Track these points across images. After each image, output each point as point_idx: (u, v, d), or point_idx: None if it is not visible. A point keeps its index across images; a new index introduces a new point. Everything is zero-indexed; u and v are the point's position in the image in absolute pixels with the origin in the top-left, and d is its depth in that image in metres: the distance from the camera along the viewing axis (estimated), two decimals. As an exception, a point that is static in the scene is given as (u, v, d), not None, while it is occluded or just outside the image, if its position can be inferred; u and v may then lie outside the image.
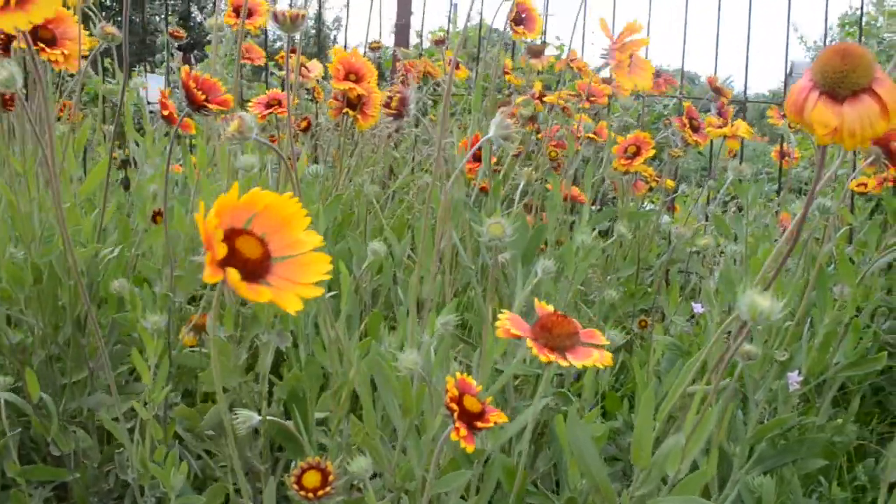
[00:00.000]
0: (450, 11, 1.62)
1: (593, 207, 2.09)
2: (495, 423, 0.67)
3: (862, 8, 1.68)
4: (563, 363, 0.65)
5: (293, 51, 1.69)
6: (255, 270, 0.54)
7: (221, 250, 0.52)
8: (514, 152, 1.46)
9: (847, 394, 1.60)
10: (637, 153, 1.41)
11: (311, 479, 0.67)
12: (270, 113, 1.32)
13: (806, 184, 2.16)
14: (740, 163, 1.40)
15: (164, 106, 1.10)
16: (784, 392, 1.11)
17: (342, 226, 1.50)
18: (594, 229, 1.39)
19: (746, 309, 0.63)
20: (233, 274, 0.51)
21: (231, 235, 0.54)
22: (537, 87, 1.57)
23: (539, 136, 1.52)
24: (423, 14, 2.16)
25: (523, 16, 1.40)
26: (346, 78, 1.37)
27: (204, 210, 0.53)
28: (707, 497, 1.15)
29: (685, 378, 0.82)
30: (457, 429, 0.64)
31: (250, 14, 1.39)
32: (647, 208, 2.16)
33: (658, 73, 1.53)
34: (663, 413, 0.81)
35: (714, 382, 0.73)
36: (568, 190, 1.41)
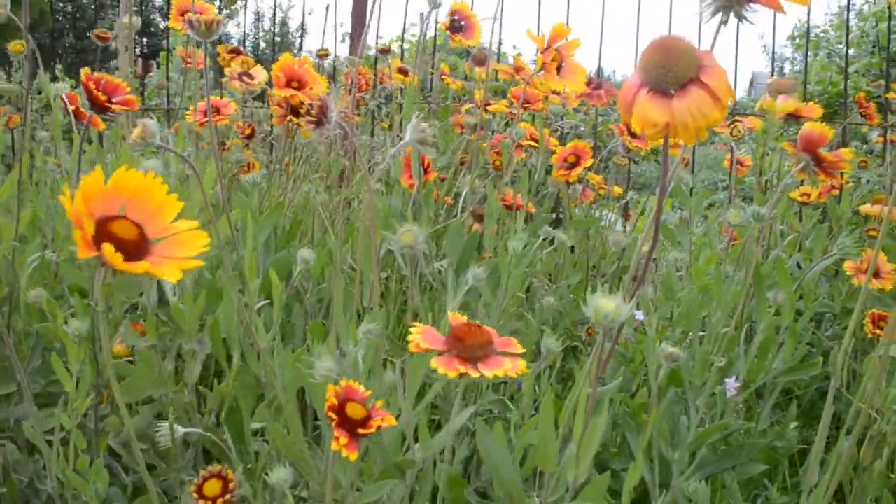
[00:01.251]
0: (404, 21, 1.62)
1: (553, 215, 2.10)
2: (379, 427, 0.66)
3: (809, 21, 1.70)
4: (475, 374, 0.64)
5: (239, 52, 1.67)
6: (133, 250, 0.54)
7: (89, 226, 0.51)
8: (459, 160, 1.45)
9: (798, 398, 1.61)
10: (576, 163, 1.41)
11: (212, 487, 0.65)
12: (208, 121, 1.30)
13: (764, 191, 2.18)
14: (692, 171, 1.41)
15: (71, 100, 1.08)
16: (722, 398, 1.11)
17: (290, 234, 1.48)
18: (548, 238, 1.39)
19: (592, 312, 0.62)
20: (108, 247, 0.51)
21: (105, 221, 0.54)
22: (479, 95, 1.57)
23: (485, 144, 1.52)
24: (379, 23, 2.16)
25: (462, 23, 1.40)
26: (289, 85, 1.36)
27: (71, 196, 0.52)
28: (647, 503, 1.15)
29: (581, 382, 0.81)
30: (336, 438, 0.63)
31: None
32: (603, 216, 2.17)
33: (599, 85, 1.54)
34: (564, 416, 0.80)
35: (593, 383, 0.72)
36: (514, 198, 1.41)
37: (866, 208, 1.48)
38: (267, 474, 0.72)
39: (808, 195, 1.45)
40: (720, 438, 1.16)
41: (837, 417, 1.58)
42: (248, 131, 1.51)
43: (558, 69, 1.12)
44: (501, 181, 1.36)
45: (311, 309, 1.29)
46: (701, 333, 1.19)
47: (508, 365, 0.66)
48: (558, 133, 1.98)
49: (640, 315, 1.14)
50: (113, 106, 0.87)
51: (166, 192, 0.57)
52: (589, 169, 1.43)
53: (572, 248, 1.59)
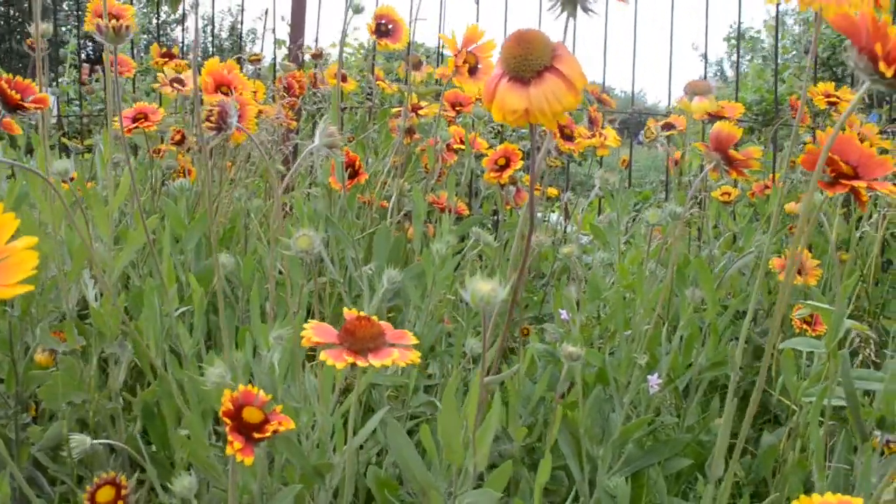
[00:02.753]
0: (344, 30, 1.62)
1: (494, 217, 2.12)
2: (276, 431, 0.66)
3: (739, 22, 1.73)
4: (363, 364, 0.65)
5: (172, 56, 1.66)
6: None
7: None
8: (392, 163, 1.46)
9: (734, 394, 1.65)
10: (507, 165, 1.43)
11: (105, 494, 0.65)
12: (136, 127, 1.29)
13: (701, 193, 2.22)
14: (614, 172, 1.43)
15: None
16: (645, 395, 1.13)
17: (223, 240, 1.48)
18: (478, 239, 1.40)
19: (470, 295, 0.64)
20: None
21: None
22: (414, 99, 1.57)
23: (419, 148, 1.53)
24: (318, 28, 2.16)
25: (389, 26, 1.41)
26: (217, 90, 1.35)
27: None
28: (576, 500, 1.16)
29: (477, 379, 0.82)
30: (231, 442, 0.63)
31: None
32: (548, 216, 2.19)
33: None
34: (469, 408, 0.81)
35: (481, 378, 0.74)
36: (450, 201, 1.42)
37: (790, 206, 1.51)
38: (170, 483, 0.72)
39: (729, 194, 1.48)
40: (646, 434, 1.18)
41: (772, 413, 1.62)
42: (177, 137, 1.50)
43: (473, 70, 1.13)
44: (432, 183, 1.37)
45: (243, 315, 1.29)
46: (629, 332, 1.21)
47: (396, 354, 0.67)
48: (498, 136, 2.00)
49: (564, 314, 1.16)
50: (27, 105, 0.86)
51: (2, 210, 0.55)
52: (521, 170, 1.45)
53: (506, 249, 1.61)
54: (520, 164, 1.41)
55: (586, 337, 1.22)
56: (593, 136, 1.35)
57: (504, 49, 0.59)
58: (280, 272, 1.34)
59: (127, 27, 0.78)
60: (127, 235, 1.03)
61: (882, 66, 0.61)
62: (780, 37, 2.79)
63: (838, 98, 1.44)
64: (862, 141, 0.85)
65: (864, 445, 0.87)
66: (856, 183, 0.75)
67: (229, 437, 0.64)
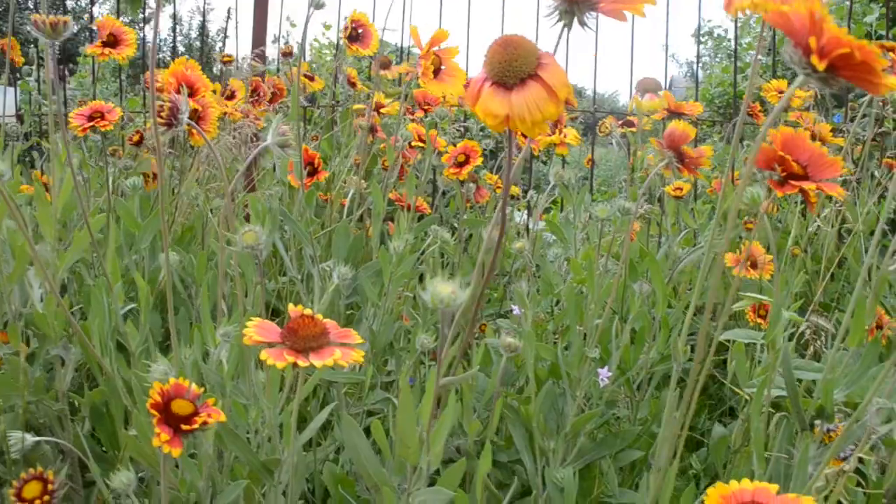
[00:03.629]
0: (305, 28, 1.62)
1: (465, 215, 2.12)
2: (204, 423, 0.66)
3: (700, 20, 1.76)
4: (304, 364, 0.65)
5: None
6: None
7: None
8: (354, 161, 1.46)
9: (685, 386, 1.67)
10: (466, 162, 1.44)
11: (32, 489, 0.65)
12: (92, 126, 1.29)
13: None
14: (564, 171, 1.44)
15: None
16: (597, 388, 1.14)
17: (181, 240, 1.47)
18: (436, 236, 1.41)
19: (430, 297, 0.64)
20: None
21: None
22: (379, 98, 1.58)
23: (382, 147, 1.54)
24: (280, 24, 2.15)
25: (360, 31, 1.42)
26: (179, 91, 1.35)
27: None
28: (528, 493, 1.17)
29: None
30: (157, 434, 0.64)
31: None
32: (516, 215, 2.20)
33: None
34: (424, 408, 0.81)
35: (437, 377, 0.74)
36: (410, 198, 1.42)
37: (746, 202, 1.54)
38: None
39: (681, 189, 1.50)
40: (599, 427, 1.20)
41: (727, 405, 1.64)
42: (136, 138, 1.49)
43: (437, 72, 1.13)
44: (393, 181, 1.37)
45: (197, 314, 1.29)
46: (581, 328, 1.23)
47: (339, 354, 0.67)
48: (464, 136, 2.01)
49: (516, 310, 1.17)
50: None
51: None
52: (483, 168, 1.46)
53: (466, 246, 1.62)
54: (479, 160, 1.42)
55: (540, 332, 1.23)
56: (553, 133, 1.36)
57: (490, 53, 0.59)
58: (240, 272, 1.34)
59: (65, 23, 0.77)
60: (75, 236, 1.02)
61: (814, 59, 0.62)
62: (739, 35, 2.82)
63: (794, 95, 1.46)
64: (814, 139, 0.87)
65: (803, 434, 0.89)
66: (805, 184, 0.75)
67: (156, 430, 0.64)
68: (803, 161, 0.74)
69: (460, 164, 1.42)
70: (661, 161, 1.11)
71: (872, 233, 1.91)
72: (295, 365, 0.65)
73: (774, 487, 0.62)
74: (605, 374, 1.12)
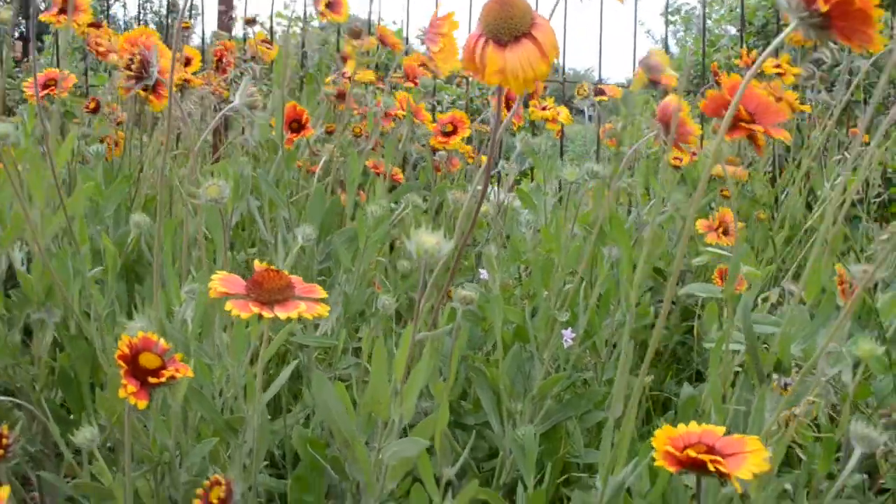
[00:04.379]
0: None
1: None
2: (172, 377, 0.67)
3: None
4: (268, 315, 0.66)
5: (99, 25, 1.63)
6: None
7: None
8: (326, 129, 1.46)
9: (659, 353, 1.69)
10: (454, 132, 1.44)
11: None
12: (47, 94, 1.28)
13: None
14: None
15: None
16: (564, 351, 1.16)
17: (146, 207, 1.46)
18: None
19: (414, 248, 0.65)
20: None
21: None
22: (350, 67, 1.57)
23: (357, 112, 1.53)
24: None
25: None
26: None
27: None
28: (496, 455, 1.19)
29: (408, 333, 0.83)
30: (124, 385, 0.64)
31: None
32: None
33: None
34: (398, 361, 0.82)
35: (413, 330, 0.75)
36: (387, 166, 1.42)
37: (716, 170, 1.55)
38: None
39: (680, 160, 1.52)
40: (565, 389, 1.21)
41: (694, 370, 1.67)
42: (91, 105, 1.48)
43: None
44: (367, 150, 1.37)
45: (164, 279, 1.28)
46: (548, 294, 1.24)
47: (303, 307, 0.67)
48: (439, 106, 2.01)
49: (484, 274, 1.18)
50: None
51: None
52: (466, 138, 1.47)
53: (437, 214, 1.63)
54: (467, 131, 1.43)
55: (507, 297, 1.24)
56: (545, 108, 1.37)
57: (485, 11, 0.61)
58: (207, 238, 1.34)
59: None
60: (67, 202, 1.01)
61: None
62: (707, 10, 2.83)
63: (785, 71, 1.48)
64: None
65: (761, 387, 0.90)
66: (753, 127, 0.77)
67: (123, 381, 0.64)
68: (751, 109, 0.76)
69: (447, 134, 1.43)
70: (651, 131, 1.12)
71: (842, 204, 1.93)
72: (260, 316, 0.66)
73: (721, 430, 0.64)
74: (568, 335, 1.13)
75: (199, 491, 0.66)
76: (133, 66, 0.83)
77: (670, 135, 1.16)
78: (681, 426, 0.64)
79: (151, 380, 0.65)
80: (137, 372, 0.66)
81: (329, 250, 1.22)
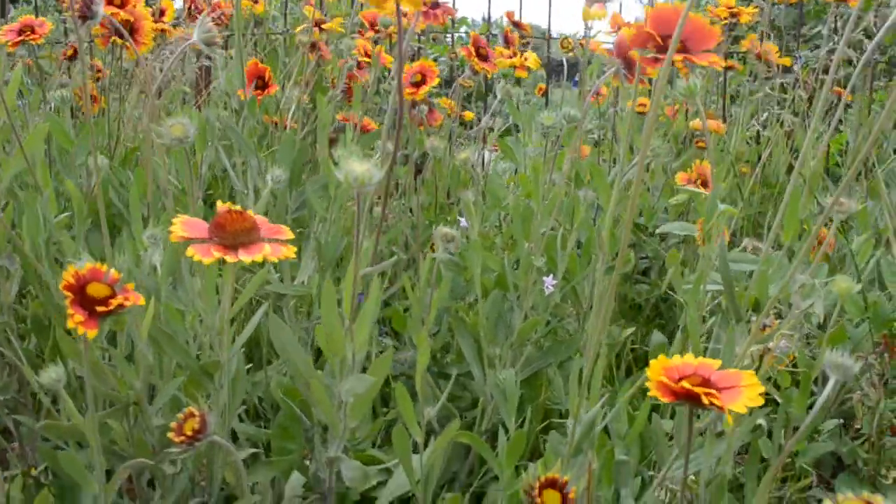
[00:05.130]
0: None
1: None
2: (121, 305, 0.65)
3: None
4: (232, 259, 0.64)
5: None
6: None
7: None
8: (299, 81, 1.43)
9: (640, 307, 1.69)
10: (423, 82, 1.41)
11: None
12: (22, 41, 1.24)
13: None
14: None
15: None
16: (542, 297, 1.15)
17: (124, 161, 1.44)
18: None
19: (343, 176, 0.63)
20: None
21: None
22: (317, 14, 1.54)
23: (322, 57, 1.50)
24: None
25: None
26: (111, 3, 1.31)
27: None
28: (477, 391, 1.19)
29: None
30: (71, 315, 0.63)
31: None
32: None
33: (436, 4, 1.53)
34: (346, 305, 0.81)
35: (356, 266, 0.74)
36: (358, 116, 1.40)
37: (695, 123, 1.55)
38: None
39: (644, 105, 1.50)
40: (545, 335, 1.21)
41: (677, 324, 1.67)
42: (69, 52, 1.45)
43: None
44: (338, 99, 1.35)
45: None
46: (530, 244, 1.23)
47: (268, 249, 0.66)
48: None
49: (463, 221, 1.17)
50: None
51: None
52: (438, 89, 1.44)
53: (419, 170, 1.61)
54: (436, 80, 1.40)
55: (487, 245, 1.23)
56: (513, 55, 1.35)
57: None
58: (183, 190, 1.31)
59: None
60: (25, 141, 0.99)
61: None
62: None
63: (739, 11, 1.46)
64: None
65: (738, 326, 0.90)
66: (676, 56, 0.72)
67: (69, 311, 0.63)
68: (684, 36, 0.72)
69: (416, 84, 1.40)
70: (610, 69, 1.11)
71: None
72: (223, 261, 0.64)
73: (717, 363, 0.64)
74: (549, 282, 1.13)
75: (174, 424, 0.65)
76: (76, 5, 0.81)
77: (632, 71, 1.15)
78: (676, 357, 0.64)
79: (100, 308, 0.64)
80: (86, 302, 0.64)
81: (302, 199, 1.20)
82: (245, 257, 0.64)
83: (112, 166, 1.26)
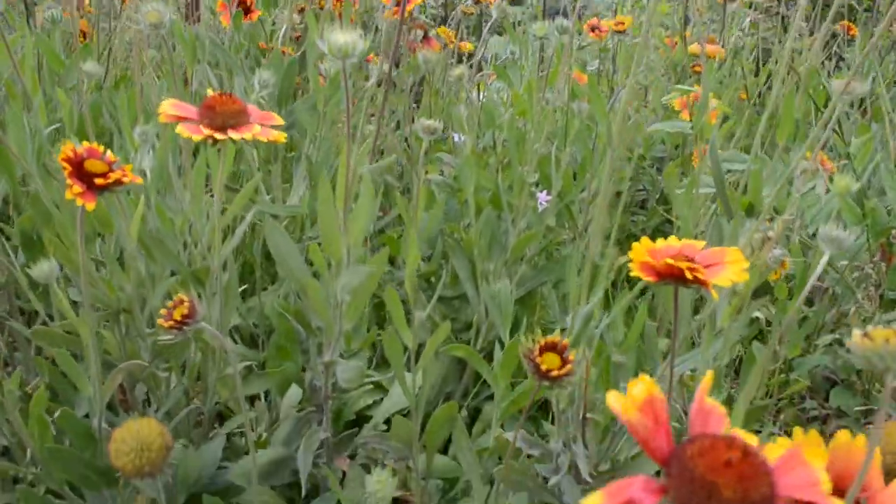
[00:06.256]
0: None
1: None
2: (119, 181, 0.64)
3: None
4: (221, 137, 0.64)
5: None
6: None
7: None
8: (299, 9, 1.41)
9: (637, 238, 1.68)
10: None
11: None
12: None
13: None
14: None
15: None
16: (536, 216, 1.14)
17: (117, 86, 1.42)
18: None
19: (327, 46, 0.62)
20: None
21: None
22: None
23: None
24: None
25: None
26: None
27: None
28: (472, 313, 1.18)
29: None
30: (69, 186, 0.62)
31: None
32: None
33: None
34: (339, 200, 0.80)
35: (348, 156, 0.73)
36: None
37: (693, 48, 1.52)
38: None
39: (623, 23, 1.48)
40: (539, 253, 1.20)
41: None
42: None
43: None
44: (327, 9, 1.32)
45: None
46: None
47: (258, 129, 0.65)
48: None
49: (457, 137, 1.15)
50: None
51: None
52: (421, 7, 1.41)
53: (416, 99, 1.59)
54: (419, 0, 1.37)
55: (482, 164, 1.22)
56: None
57: None
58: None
59: None
60: None
61: None
62: None
63: None
64: None
65: (731, 222, 0.89)
66: None
67: (68, 182, 0.62)
68: None
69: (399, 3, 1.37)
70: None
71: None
72: (212, 139, 0.63)
73: (701, 243, 0.63)
74: (543, 197, 1.12)
75: (163, 311, 0.65)
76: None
77: None
78: (660, 240, 0.63)
79: (98, 181, 0.63)
80: (83, 176, 0.64)
81: (292, 119, 1.18)
82: (234, 135, 0.64)
83: (103, 88, 1.24)
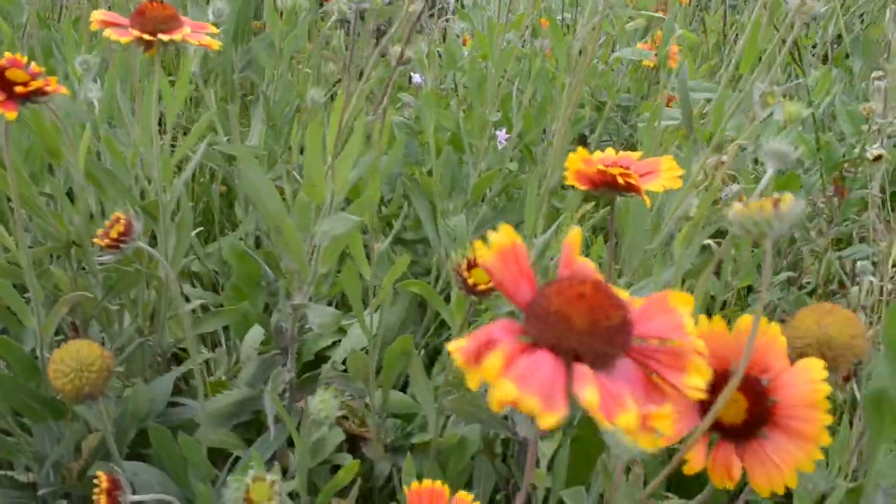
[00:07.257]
0: None
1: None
2: (40, 90, 0.63)
3: None
4: (149, 38, 0.62)
5: None
6: None
7: None
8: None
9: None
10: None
11: None
12: None
13: None
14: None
15: None
16: (497, 155, 1.14)
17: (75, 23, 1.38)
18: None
19: None
20: None
21: None
22: None
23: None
24: None
25: None
26: None
27: None
28: (433, 255, 1.18)
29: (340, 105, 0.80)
30: None
31: None
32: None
33: None
34: (330, 143, 0.79)
35: (345, 105, 0.72)
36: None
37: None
38: None
39: None
40: (499, 194, 1.20)
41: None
42: None
43: None
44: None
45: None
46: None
47: (188, 30, 0.64)
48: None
49: (417, 77, 1.14)
50: None
51: None
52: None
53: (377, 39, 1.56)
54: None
55: (443, 104, 1.21)
56: None
57: None
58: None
59: None
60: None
61: None
62: None
63: None
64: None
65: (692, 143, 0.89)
66: None
67: None
68: None
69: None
70: None
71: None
72: (141, 41, 0.62)
73: (637, 154, 0.63)
74: (503, 136, 1.11)
75: (100, 231, 0.63)
76: None
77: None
78: (597, 152, 0.62)
79: (18, 89, 0.61)
80: (4, 85, 0.62)
81: (249, 57, 1.15)
82: (164, 37, 0.62)
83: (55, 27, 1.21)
